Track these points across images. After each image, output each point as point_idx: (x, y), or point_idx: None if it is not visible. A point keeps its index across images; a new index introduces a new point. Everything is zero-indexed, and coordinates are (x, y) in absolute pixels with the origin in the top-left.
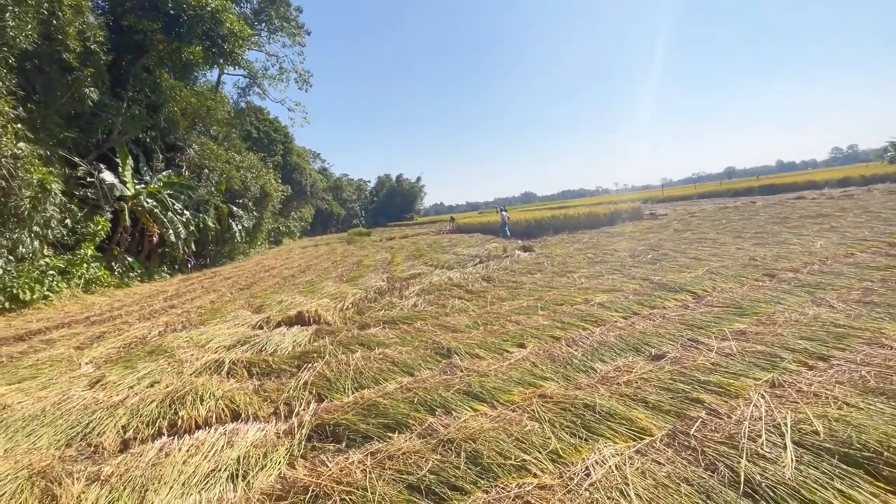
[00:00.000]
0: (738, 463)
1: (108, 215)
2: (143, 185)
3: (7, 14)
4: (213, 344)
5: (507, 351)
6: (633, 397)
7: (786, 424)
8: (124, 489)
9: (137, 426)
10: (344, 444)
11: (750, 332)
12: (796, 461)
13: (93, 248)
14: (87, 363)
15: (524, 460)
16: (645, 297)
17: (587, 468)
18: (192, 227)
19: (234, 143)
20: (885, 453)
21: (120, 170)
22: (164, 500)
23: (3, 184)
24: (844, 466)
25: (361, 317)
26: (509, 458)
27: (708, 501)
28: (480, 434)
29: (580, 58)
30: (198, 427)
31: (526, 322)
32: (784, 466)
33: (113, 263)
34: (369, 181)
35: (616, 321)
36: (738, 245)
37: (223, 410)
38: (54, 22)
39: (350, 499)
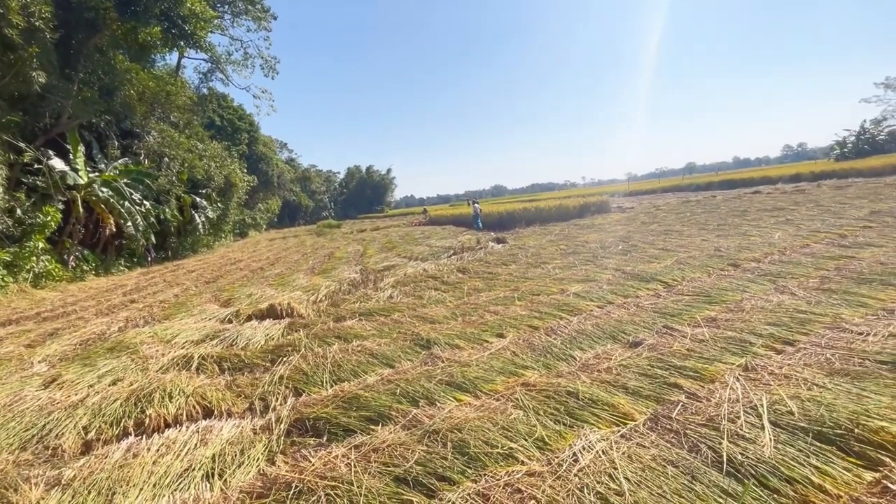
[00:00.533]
0: (720, 444)
1: (60, 205)
2: (97, 174)
3: None
4: (179, 339)
5: (487, 341)
6: (613, 384)
7: (762, 406)
8: (89, 493)
9: (100, 426)
10: (325, 439)
11: (720, 319)
12: (774, 440)
13: (43, 240)
14: (39, 361)
15: (511, 448)
16: (618, 287)
17: (574, 454)
18: (151, 219)
19: (197, 131)
20: (856, 430)
21: (71, 156)
22: (133, 502)
23: None
24: (819, 444)
25: (336, 309)
26: (496, 446)
27: (693, 482)
28: (466, 424)
29: (548, 54)
30: (167, 425)
31: (504, 312)
32: (763, 446)
33: (65, 256)
34: (339, 172)
35: (592, 310)
36: (702, 237)
37: (194, 407)
38: None
39: (335, 493)
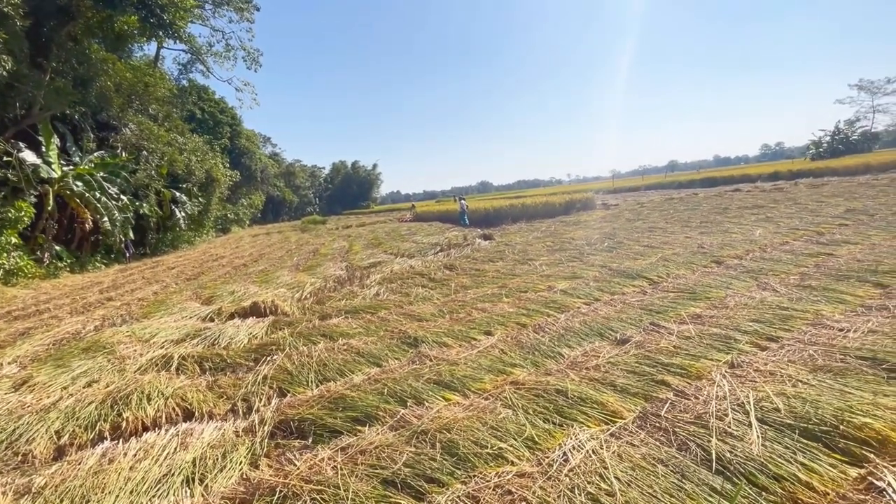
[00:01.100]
0: (709, 442)
1: (32, 199)
2: (71, 167)
3: None
4: (158, 338)
5: (475, 339)
6: (602, 381)
7: (749, 403)
8: (61, 501)
9: (74, 431)
10: (311, 441)
11: (705, 316)
12: (762, 437)
13: (15, 235)
14: (10, 363)
15: (501, 448)
16: (605, 284)
17: (565, 454)
18: (129, 213)
19: (177, 124)
20: (841, 426)
21: (44, 149)
22: None
23: None
24: (805, 441)
25: (322, 307)
26: (486, 446)
27: (683, 481)
28: (454, 424)
29: (537, 54)
30: (145, 429)
31: (491, 310)
32: (751, 443)
33: (39, 253)
34: (324, 168)
35: (579, 307)
36: (686, 234)
37: (174, 410)
38: None
39: (321, 498)
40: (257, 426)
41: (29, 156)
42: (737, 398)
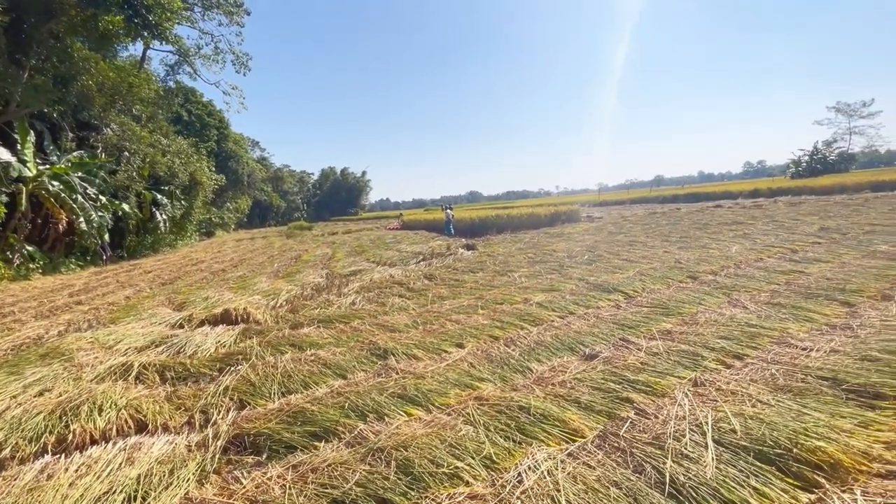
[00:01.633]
0: (664, 464)
1: (4, 198)
2: (47, 166)
3: None
4: (122, 345)
5: (446, 351)
6: (566, 398)
7: (707, 423)
8: None
9: (17, 443)
10: (265, 457)
11: (675, 332)
12: (716, 460)
13: None
14: None
15: (457, 468)
16: (581, 297)
17: (519, 474)
18: (107, 215)
19: (161, 125)
20: (794, 450)
21: (19, 147)
22: None
23: None
24: (759, 464)
25: (295, 315)
26: (442, 465)
27: None
28: (413, 441)
29: (532, 66)
30: (93, 442)
31: (466, 321)
32: (706, 466)
33: (9, 254)
34: (312, 173)
35: (553, 321)
36: (665, 248)
37: (126, 422)
38: None
39: None
40: (211, 440)
41: (2, 153)
42: (696, 418)
